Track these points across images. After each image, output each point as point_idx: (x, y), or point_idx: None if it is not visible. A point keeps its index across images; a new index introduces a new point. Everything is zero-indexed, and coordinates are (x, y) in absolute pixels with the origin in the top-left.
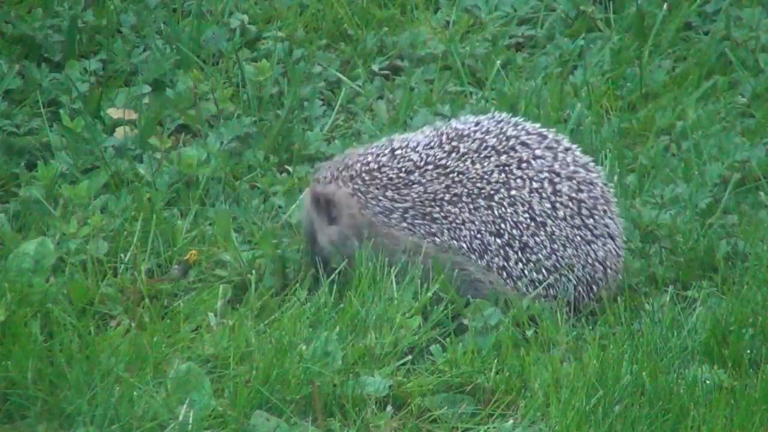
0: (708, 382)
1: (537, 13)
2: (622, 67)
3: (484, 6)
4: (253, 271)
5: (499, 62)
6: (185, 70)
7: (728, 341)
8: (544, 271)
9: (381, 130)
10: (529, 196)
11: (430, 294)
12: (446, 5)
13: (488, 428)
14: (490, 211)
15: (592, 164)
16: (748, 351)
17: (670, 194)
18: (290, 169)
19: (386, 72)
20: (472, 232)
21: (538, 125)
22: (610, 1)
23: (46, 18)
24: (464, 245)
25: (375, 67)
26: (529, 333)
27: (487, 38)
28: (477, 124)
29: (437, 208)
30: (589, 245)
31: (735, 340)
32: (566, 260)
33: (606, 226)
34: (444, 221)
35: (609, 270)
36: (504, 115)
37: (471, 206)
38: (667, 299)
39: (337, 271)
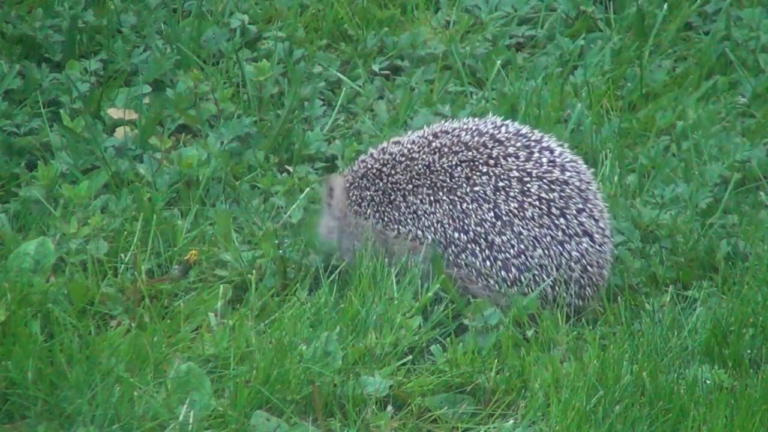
0: (708, 382)
1: (537, 13)
2: (622, 67)
3: (485, 6)
4: (254, 271)
5: (499, 62)
6: (185, 70)
7: (728, 341)
8: (513, 270)
9: (381, 130)
10: (494, 195)
11: (430, 294)
12: (446, 5)
13: (488, 428)
14: (452, 206)
15: (571, 164)
16: (748, 351)
17: (670, 194)
18: (290, 169)
19: (386, 72)
20: (433, 224)
21: (524, 126)
22: (610, 1)
23: (46, 18)
24: (429, 236)
25: (375, 67)
26: (529, 333)
27: (488, 38)
28: (465, 123)
29: (400, 198)
30: (562, 245)
31: (735, 340)
32: (536, 260)
33: (581, 224)
34: (406, 210)
35: (589, 268)
36: (498, 118)
37: (431, 198)
38: (668, 299)
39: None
